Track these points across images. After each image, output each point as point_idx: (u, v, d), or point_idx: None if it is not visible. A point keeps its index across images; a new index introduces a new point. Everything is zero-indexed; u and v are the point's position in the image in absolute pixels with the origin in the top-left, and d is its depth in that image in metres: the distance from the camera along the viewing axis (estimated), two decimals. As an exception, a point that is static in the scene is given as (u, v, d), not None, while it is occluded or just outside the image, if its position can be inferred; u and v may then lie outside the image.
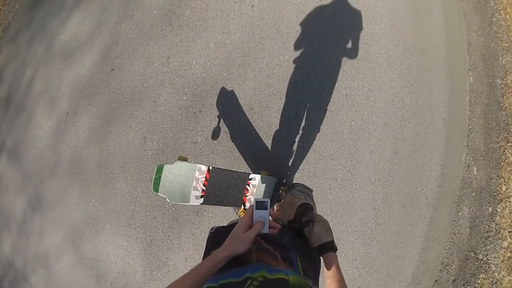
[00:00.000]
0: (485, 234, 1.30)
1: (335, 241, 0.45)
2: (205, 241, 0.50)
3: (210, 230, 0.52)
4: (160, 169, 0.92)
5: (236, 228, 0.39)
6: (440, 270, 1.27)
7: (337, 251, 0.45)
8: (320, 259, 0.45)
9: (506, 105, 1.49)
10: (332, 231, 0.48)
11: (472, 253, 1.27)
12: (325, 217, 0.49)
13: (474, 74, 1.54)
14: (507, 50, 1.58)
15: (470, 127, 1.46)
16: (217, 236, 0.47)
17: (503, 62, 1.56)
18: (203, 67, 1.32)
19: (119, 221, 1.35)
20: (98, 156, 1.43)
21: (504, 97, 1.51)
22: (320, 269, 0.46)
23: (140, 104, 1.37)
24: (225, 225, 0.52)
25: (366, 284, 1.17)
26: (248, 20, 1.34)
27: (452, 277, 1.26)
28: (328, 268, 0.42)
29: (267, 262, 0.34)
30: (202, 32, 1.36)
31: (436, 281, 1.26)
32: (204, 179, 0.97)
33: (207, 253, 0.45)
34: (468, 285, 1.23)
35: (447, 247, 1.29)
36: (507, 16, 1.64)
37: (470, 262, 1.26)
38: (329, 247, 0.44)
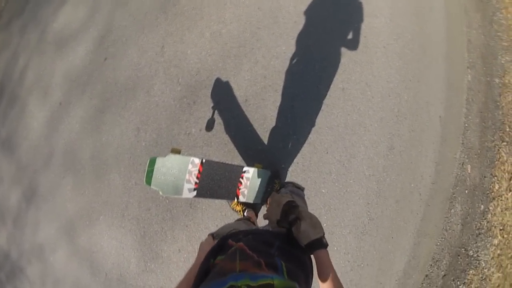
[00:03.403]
0: (477, 231, 1.30)
1: (325, 237, 0.44)
2: (200, 238, 0.49)
3: (214, 237, 0.50)
4: (152, 162, 0.91)
5: None
6: (431, 265, 1.28)
7: (328, 247, 0.44)
8: (312, 261, 0.44)
9: (503, 104, 1.48)
10: (324, 225, 0.46)
11: (463, 249, 1.28)
12: (318, 211, 0.48)
13: (472, 72, 1.53)
14: (506, 50, 1.56)
15: (466, 125, 1.46)
16: (218, 248, 0.45)
17: (502, 61, 1.55)
18: (198, 57, 1.30)
19: (113, 212, 1.34)
20: (92, 147, 1.41)
21: (501, 96, 1.50)
22: (312, 271, 0.45)
23: (134, 94, 1.35)
24: (225, 234, 0.49)
25: (357, 277, 1.18)
26: (245, 9, 1.31)
27: (443, 272, 1.27)
28: (319, 266, 0.41)
29: (251, 271, 0.33)
30: (197, 21, 1.33)
31: (426, 275, 1.27)
32: (197, 171, 0.96)
33: (206, 261, 0.42)
34: (458, 281, 1.24)
35: (438, 243, 1.30)
36: (508, 15, 1.62)
37: (461, 258, 1.27)
38: (318, 244, 0.43)
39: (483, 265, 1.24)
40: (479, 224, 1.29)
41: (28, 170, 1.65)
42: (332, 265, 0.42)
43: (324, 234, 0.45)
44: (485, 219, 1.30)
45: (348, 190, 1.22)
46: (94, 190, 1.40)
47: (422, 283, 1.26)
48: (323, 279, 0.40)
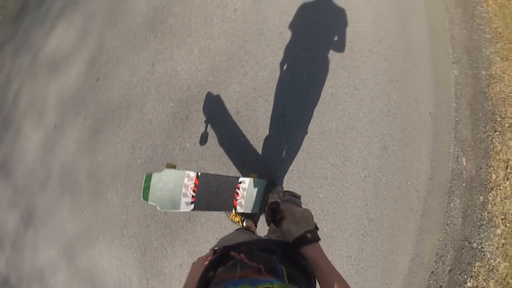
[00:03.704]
0: (478, 223, 1.30)
1: (314, 231, 0.42)
2: (201, 252, 0.48)
3: (214, 251, 0.48)
4: (149, 178, 0.92)
5: None
6: (436, 261, 1.28)
7: (320, 242, 0.41)
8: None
9: (492, 95, 1.51)
10: (324, 230, 0.44)
11: (466, 242, 1.27)
12: (317, 217, 0.46)
13: (458, 67, 1.56)
14: (490, 41, 1.61)
15: (457, 118, 1.48)
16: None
17: (487, 53, 1.59)
18: (188, 73, 1.32)
19: (112, 231, 1.33)
20: (88, 167, 1.41)
21: (490, 87, 1.53)
22: (315, 276, 0.43)
23: (127, 113, 1.36)
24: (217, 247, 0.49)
25: (362, 280, 1.17)
26: (231, 24, 1.35)
27: (448, 267, 1.26)
28: (312, 261, 0.40)
29: (251, 276, 0.33)
30: (186, 38, 1.36)
31: (432, 272, 1.26)
32: (194, 185, 0.96)
33: (205, 273, 0.40)
34: (465, 274, 1.24)
35: (441, 238, 1.29)
36: (489, 8, 1.67)
37: (465, 251, 1.26)
38: (302, 241, 0.41)
39: (489, 256, 1.23)
40: (480, 216, 1.29)
41: (25, 193, 1.64)
42: (326, 260, 0.39)
43: (312, 228, 0.43)
44: (485, 210, 1.30)
45: (345, 193, 1.22)
46: (92, 210, 1.39)
47: (428, 280, 1.25)
48: (316, 273, 0.38)
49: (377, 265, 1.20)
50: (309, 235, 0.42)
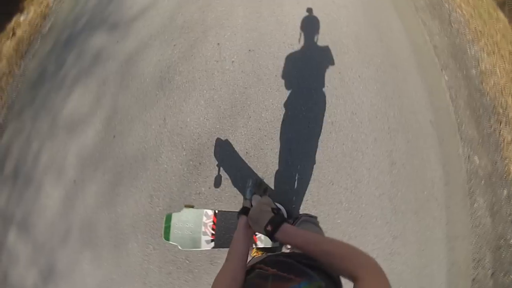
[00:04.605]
0: (509, 218, 1.21)
1: (272, 220, 0.42)
2: None
3: None
4: (169, 218, 0.95)
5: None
6: (474, 267, 1.18)
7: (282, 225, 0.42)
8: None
9: (487, 89, 1.49)
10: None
11: (502, 240, 1.18)
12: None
13: (447, 72, 1.62)
14: (472, 41, 1.68)
15: (459, 120, 1.45)
16: None
17: (472, 53, 1.62)
18: (197, 122, 1.44)
19: (134, 281, 1.33)
20: (108, 219, 1.46)
21: (483, 83, 1.52)
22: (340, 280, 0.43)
23: (144, 164, 1.44)
24: None
25: (398, 305, 1.12)
26: (230, 74, 1.50)
27: (490, 271, 1.15)
28: (291, 245, 0.41)
29: (281, 286, 0.35)
30: (191, 92, 1.51)
31: (473, 279, 1.16)
32: (212, 223, 0.99)
33: None
34: (510, 275, 1.12)
35: (473, 242, 1.20)
36: (464, 12, 1.79)
37: (503, 250, 1.16)
38: (269, 236, 0.42)
39: (531, 249, 1.14)
40: (509, 210, 1.22)
41: (45, 248, 1.65)
42: (299, 235, 0.40)
43: (269, 219, 0.43)
44: (513, 203, 1.23)
45: (363, 214, 1.22)
46: (113, 261, 1.40)
47: (472, 289, 1.17)
48: (309, 255, 0.38)
49: (412, 283, 1.15)
50: (269, 228, 0.43)
